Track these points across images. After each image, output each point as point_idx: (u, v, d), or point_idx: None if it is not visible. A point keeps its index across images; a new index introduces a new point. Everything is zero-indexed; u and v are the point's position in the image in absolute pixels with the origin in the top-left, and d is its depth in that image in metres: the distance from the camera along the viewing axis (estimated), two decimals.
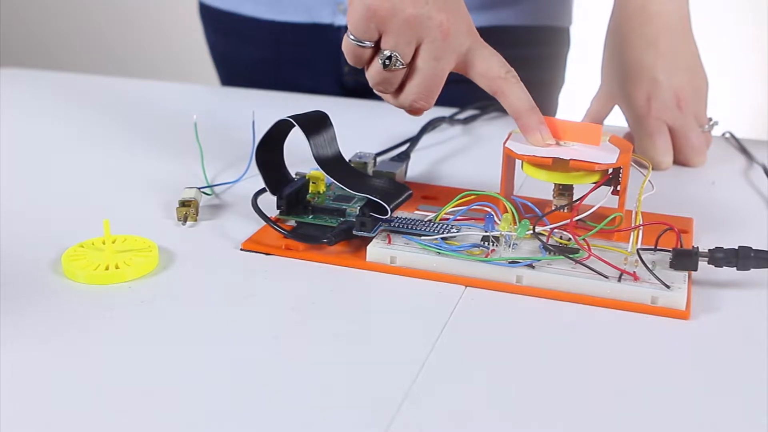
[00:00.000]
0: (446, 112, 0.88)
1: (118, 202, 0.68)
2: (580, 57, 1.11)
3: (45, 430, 0.42)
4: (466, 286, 0.56)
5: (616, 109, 0.83)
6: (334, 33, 0.98)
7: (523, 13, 1.00)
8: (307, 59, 1.02)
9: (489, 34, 1.01)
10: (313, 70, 1.01)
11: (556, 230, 0.58)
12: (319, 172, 0.63)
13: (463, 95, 0.94)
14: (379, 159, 0.72)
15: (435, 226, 0.59)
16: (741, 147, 0.83)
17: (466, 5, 0.96)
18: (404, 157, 0.73)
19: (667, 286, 0.53)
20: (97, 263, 0.57)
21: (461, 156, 0.80)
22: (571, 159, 0.59)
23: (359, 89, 1.00)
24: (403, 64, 0.62)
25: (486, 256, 0.56)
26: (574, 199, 0.62)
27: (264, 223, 0.62)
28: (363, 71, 1.01)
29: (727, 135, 0.86)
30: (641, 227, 0.57)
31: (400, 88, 0.65)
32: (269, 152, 0.63)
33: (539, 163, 0.60)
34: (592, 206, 0.58)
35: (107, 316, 0.52)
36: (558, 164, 0.59)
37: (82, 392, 0.45)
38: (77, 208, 0.67)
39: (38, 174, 0.74)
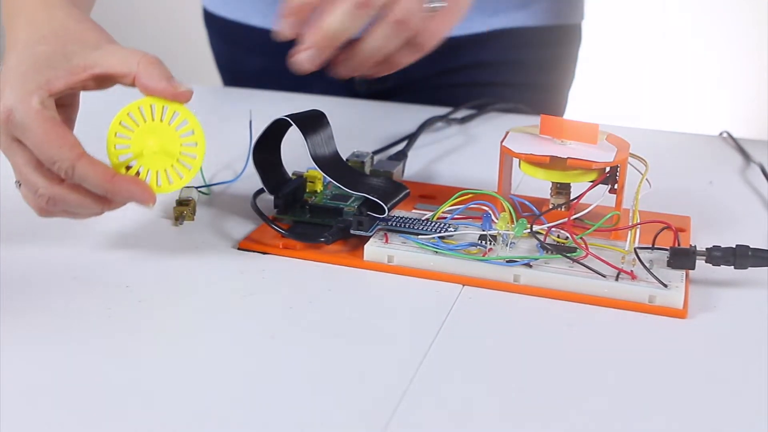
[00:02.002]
0: (442, 111, 0.88)
1: None
2: (587, 53, 1.09)
3: (43, 430, 0.42)
4: (463, 285, 0.56)
5: (614, 108, 0.82)
6: (344, 44, 0.97)
7: (536, 13, 0.98)
8: (316, 71, 1.01)
9: (501, 38, 1.00)
10: (322, 79, 1.00)
11: (553, 229, 0.57)
12: (317, 171, 0.63)
13: (458, 97, 0.94)
14: (376, 158, 0.72)
15: (432, 225, 0.59)
16: (738, 146, 0.83)
17: (476, 9, 0.95)
18: (401, 155, 0.72)
19: (665, 285, 0.53)
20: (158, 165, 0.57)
21: (458, 155, 0.80)
22: (568, 157, 0.59)
23: (369, 97, 1.00)
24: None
25: (483, 255, 0.56)
26: (571, 197, 0.62)
27: (261, 222, 0.62)
28: (374, 79, 0.99)
29: (725, 134, 0.86)
30: (639, 226, 0.57)
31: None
32: (266, 151, 0.63)
33: (537, 162, 0.60)
34: (590, 205, 0.58)
35: (105, 314, 0.52)
36: (555, 163, 0.59)
37: (80, 391, 0.45)
38: None
39: None
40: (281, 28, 0.54)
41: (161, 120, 0.57)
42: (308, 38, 0.55)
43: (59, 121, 0.55)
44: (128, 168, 0.57)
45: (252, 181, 0.64)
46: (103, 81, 0.58)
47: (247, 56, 1.04)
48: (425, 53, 0.59)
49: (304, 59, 0.55)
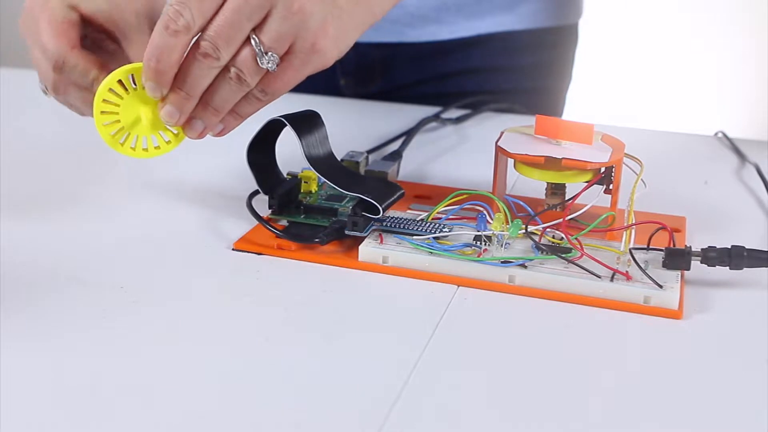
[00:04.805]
0: (437, 110, 0.88)
1: (112, 200, 0.68)
2: (581, 53, 1.07)
3: (36, 429, 0.42)
4: (458, 286, 0.55)
5: (609, 109, 0.82)
6: None
7: (524, 16, 0.96)
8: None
9: (489, 43, 0.98)
10: (308, 84, 0.99)
11: (548, 229, 0.57)
12: (311, 172, 0.63)
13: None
14: (371, 158, 0.71)
15: (427, 225, 0.59)
16: (734, 146, 0.83)
17: (461, 13, 0.94)
18: (396, 156, 0.72)
19: (660, 286, 0.53)
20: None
21: (453, 155, 0.80)
22: (563, 158, 0.59)
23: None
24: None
25: (478, 256, 0.56)
26: (566, 198, 0.62)
27: (256, 223, 0.62)
28: (360, 82, 0.99)
29: (720, 135, 0.86)
30: (634, 226, 0.57)
31: None
32: (261, 152, 0.63)
33: (532, 162, 0.60)
34: (585, 205, 0.58)
35: (99, 315, 0.52)
36: (550, 163, 0.59)
37: (74, 392, 0.45)
38: (75, 207, 0.66)
39: (38, 174, 0.73)
40: (149, 90, 0.56)
41: (143, 87, 0.57)
42: (169, 97, 0.56)
43: (66, 21, 0.59)
44: (121, 140, 0.58)
45: (247, 181, 0.64)
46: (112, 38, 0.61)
47: None
48: (270, 102, 0.60)
49: (164, 114, 0.57)
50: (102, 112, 0.57)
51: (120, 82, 0.57)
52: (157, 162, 0.71)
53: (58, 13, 0.59)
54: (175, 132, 0.59)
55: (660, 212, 0.65)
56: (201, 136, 0.59)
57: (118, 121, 0.57)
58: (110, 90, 0.57)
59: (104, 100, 0.57)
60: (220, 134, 0.60)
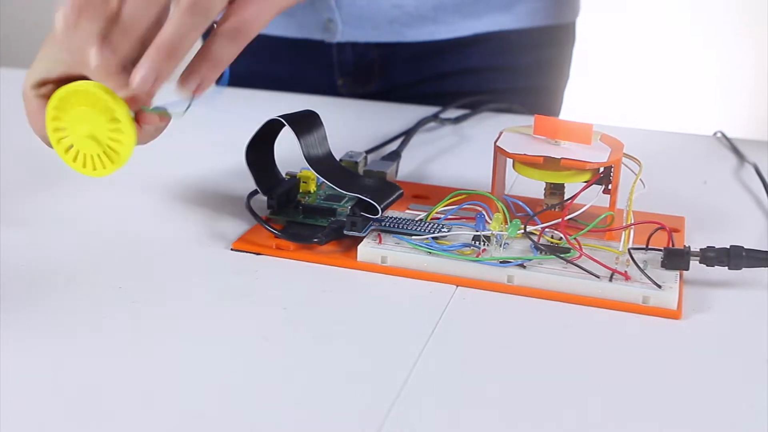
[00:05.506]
0: (436, 110, 0.88)
1: (111, 200, 0.68)
2: (579, 52, 1.08)
3: (34, 430, 0.42)
4: (457, 286, 0.55)
5: (608, 108, 0.82)
6: (325, 49, 0.97)
7: (522, 15, 0.96)
8: (299, 74, 1.00)
9: (487, 42, 0.99)
10: (306, 84, 1.00)
11: (547, 229, 0.57)
12: (310, 172, 0.63)
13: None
14: (369, 158, 0.71)
15: (426, 225, 0.59)
16: (732, 146, 0.83)
17: (459, 13, 0.95)
18: (395, 156, 0.72)
19: (659, 286, 0.53)
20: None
21: (452, 155, 0.80)
22: (562, 158, 0.59)
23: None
24: None
25: (477, 256, 0.56)
26: (565, 198, 0.62)
27: (255, 223, 0.62)
28: (359, 82, 0.99)
29: (719, 134, 0.86)
30: (632, 226, 0.57)
31: None
32: (259, 152, 0.63)
33: (530, 162, 0.60)
34: (584, 205, 0.58)
35: (98, 315, 0.52)
36: (549, 163, 0.59)
37: (71, 393, 0.45)
38: (74, 207, 0.66)
39: (38, 174, 0.73)
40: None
41: (81, 105, 0.56)
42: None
43: (41, 106, 0.58)
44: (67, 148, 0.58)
45: (246, 181, 0.64)
46: None
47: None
48: (246, 42, 0.54)
49: (137, 81, 0.52)
50: (55, 129, 0.57)
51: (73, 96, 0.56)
52: (156, 162, 0.71)
53: (33, 103, 0.59)
54: (112, 161, 0.57)
55: (659, 212, 0.65)
56: (150, 86, 0.52)
57: (68, 136, 0.57)
58: (63, 99, 0.56)
59: (53, 118, 0.57)
60: (198, 91, 0.54)
